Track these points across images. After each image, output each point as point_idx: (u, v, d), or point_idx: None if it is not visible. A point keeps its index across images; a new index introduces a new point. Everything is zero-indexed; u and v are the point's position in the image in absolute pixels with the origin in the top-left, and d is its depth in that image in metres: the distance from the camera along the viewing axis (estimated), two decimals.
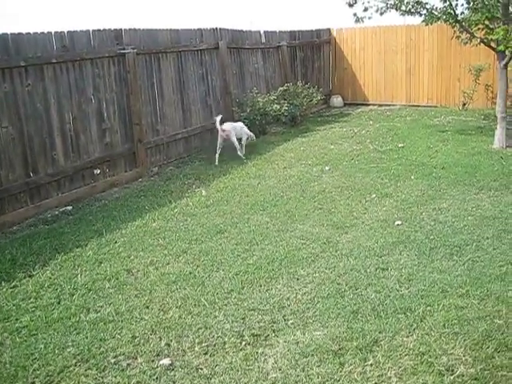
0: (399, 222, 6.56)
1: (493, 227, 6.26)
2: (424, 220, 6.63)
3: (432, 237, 6.05)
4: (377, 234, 6.22)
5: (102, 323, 4.52)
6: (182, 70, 10.57)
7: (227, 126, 10.21)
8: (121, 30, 9.10)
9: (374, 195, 7.73)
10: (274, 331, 4.24)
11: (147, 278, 5.34)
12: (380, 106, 16.66)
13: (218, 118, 10.03)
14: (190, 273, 5.39)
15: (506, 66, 10.06)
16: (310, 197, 7.80)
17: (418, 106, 16.12)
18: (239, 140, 10.51)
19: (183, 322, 4.44)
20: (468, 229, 6.25)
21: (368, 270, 5.24)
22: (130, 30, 9.28)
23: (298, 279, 5.14)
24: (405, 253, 5.64)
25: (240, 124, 10.85)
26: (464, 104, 15.11)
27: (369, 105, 16.89)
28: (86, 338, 4.29)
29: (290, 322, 4.37)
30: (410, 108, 15.96)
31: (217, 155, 10.04)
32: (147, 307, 4.76)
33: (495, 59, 14.28)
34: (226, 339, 4.16)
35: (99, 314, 4.67)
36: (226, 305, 4.71)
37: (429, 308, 4.42)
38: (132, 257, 5.93)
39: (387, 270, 5.24)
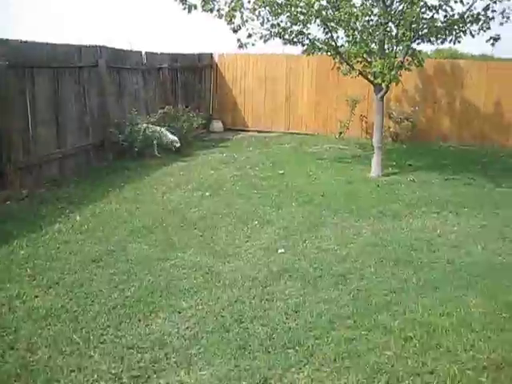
0: (282, 250, 6.51)
1: (374, 255, 6.37)
2: (307, 248, 6.63)
3: (316, 265, 6.03)
4: (260, 263, 6.11)
5: None
6: (58, 87, 9.98)
7: None
8: None
9: (256, 222, 7.64)
10: (155, 372, 3.93)
11: (13, 314, 4.81)
12: (260, 132, 16.80)
13: None
14: (62, 306, 4.93)
15: (382, 98, 10.48)
16: (190, 223, 7.56)
17: (297, 133, 16.42)
18: None
19: (53, 364, 4.01)
20: (351, 257, 6.32)
21: (253, 302, 5.08)
22: (1, 40, 8.61)
23: (179, 312, 4.87)
24: (290, 282, 5.56)
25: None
26: (340, 133, 15.59)
27: (249, 131, 16.99)
28: None
29: (173, 360, 4.08)
30: (289, 135, 16.22)
31: None
32: (12, 348, 4.26)
33: (370, 91, 15.05)
34: (103, 383, 3.80)
35: None
36: (102, 342, 4.34)
37: (318, 341, 4.33)
38: None
39: (273, 301, 5.11)
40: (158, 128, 12.20)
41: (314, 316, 4.76)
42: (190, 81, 15.81)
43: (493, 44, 9.97)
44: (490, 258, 6.43)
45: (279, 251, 6.49)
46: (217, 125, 17.06)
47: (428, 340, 4.33)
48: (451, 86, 15.28)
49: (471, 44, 10.68)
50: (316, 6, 9.62)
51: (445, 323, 4.63)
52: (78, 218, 7.70)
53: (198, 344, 4.30)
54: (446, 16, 9.77)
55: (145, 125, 11.70)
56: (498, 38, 9.94)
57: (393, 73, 9.57)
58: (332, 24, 10.07)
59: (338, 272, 5.84)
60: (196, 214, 7.99)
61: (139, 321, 4.70)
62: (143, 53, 13.28)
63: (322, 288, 5.41)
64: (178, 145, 12.38)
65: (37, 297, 5.18)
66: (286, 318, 4.74)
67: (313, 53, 10.58)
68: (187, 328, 4.57)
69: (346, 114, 15.55)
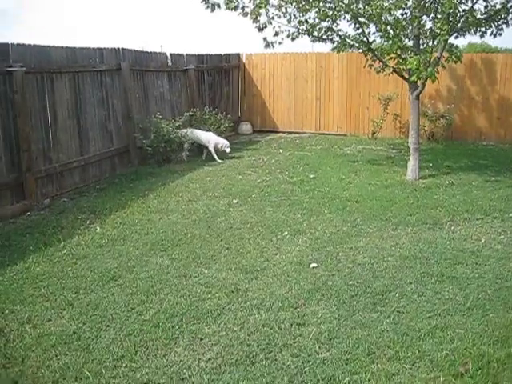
0: (315, 265, 6.02)
1: (414, 269, 5.84)
2: (341, 262, 6.13)
3: (351, 282, 5.53)
4: (290, 280, 5.63)
5: None
6: (79, 92, 9.66)
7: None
8: (7, 44, 8.12)
9: (286, 232, 7.17)
10: None
11: (21, 341, 4.44)
12: (289, 133, 16.33)
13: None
14: (74, 333, 4.54)
15: (418, 96, 9.89)
16: (216, 234, 7.13)
17: (328, 134, 15.91)
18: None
19: None
20: (389, 272, 5.80)
21: (282, 326, 4.61)
22: (18, 45, 8.29)
23: (201, 339, 4.43)
24: (323, 303, 5.07)
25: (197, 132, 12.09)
26: (373, 133, 15.06)
27: (278, 132, 16.52)
28: None
29: None
30: (319, 136, 15.71)
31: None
32: (15, 382, 3.89)
33: (403, 89, 14.48)
34: None
35: None
36: (113, 377, 3.92)
37: (355, 377, 3.83)
38: (6, 311, 5.00)
39: (304, 325, 4.63)
40: (199, 131, 12.29)
41: (351, 345, 4.25)
42: (217, 82, 15.40)
43: None
44: None
45: (311, 266, 6.00)
46: (245, 127, 16.63)
47: (483, 377, 3.77)
48: (488, 81, 14.55)
49: (498, 38, 10.01)
50: (346, 1, 9.10)
51: (501, 354, 4.07)
52: (98, 229, 7.35)
53: (220, 380, 3.84)
54: (486, 6, 9.12)
55: (172, 128, 11.34)
56: None
57: (429, 69, 8.98)
58: (362, 19, 9.53)
59: (375, 290, 5.33)
60: (223, 224, 7.55)
61: (157, 349, 4.27)
62: (168, 54, 12.92)
63: (358, 310, 4.91)
64: (228, 149, 12.18)
65: (49, 320, 4.82)
66: (319, 348, 4.24)
67: (343, 50, 10.03)
68: (209, 360, 4.12)
69: (379, 113, 14.97)
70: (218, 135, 12.77)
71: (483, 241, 6.84)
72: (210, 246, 6.71)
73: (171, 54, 12.98)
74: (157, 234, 7.12)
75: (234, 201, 8.73)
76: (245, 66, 16.80)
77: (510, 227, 7.39)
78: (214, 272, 5.86)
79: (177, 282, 5.58)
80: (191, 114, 12.54)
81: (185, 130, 11.97)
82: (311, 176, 10.48)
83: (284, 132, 16.50)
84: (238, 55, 16.72)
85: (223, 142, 12.12)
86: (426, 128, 14.24)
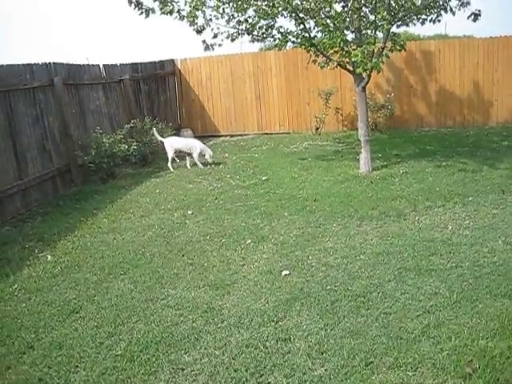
0: (286, 272, 5.73)
1: (390, 266, 5.65)
2: (313, 266, 5.86)
3: (328, 287, 5.27)
4: (265, 291, 5.32)
5: None
6: (11, 112, 9.05)
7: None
8: None
9: (249, 240, 6.86)
10: None
11: None
12: (232, 136, 16.04)
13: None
14: (40, 380, 4.08)
15: (364, 88, 9.76)
16: (176, 250, 6.74)
17: (271, 133, 15.73)
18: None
19: None
20: (365, 271, 5.57)
21: (268, 344, 4.29)
22: None
23: (183, 370, 4.05)
24: (304, 313, 4.78)
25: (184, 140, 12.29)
26: (317, 128, 14.98)
27: (220, 136, 16.20)
28: None
29: None
30: (263, 136, 15.50)
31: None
32: None
33: (342, 82, 14.46)
34: None
35: None
36: None
37: None
38: None
39: (290, 340, 4.32)
40: (182, 139, 12.67)
41: (345, 356, 3.97)
42: (153, 90, 14.93)
43: (474, 20, 9.26)
44: None
45: (283, 273, 5.71)
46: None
47: (492, 375, 3.57)
48: (425, 69, 14.71)
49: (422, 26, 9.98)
50: None
51: (502, 347, 3.89)
52: (49, 257, 6.83)
53: None
54: None
55: (110, 140, 10.84)
56: (479, 14, 9.24)
57: (374, 60, 8.85)
58: (302, 14, 9.31)
59: (355, 292, 5.08)
60: (181, 238, 7.16)
61: None
62: (101, 65, 12.37)
63: (343, 316, 4.64)
64: (211, 160, 11.83)
65: (8, 368, 4.32)
66: (312, 364, 3.94)
67: (285, 47, 9.80)
68: None
69: (320, 108, 14.89)
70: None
71: (450, 228, 6.73)
72: (172, 263, 6.32)
73: (104, 65, 12.44)
74: (113, 257, 6.66)
75: (189, 212, 8.36)
76: (180, 72, 16.40)
77: (472, 211, 7.34)
78: (181, 291, 5.49)
79: (144, 307, 5.18)
80: (132, 125, 12.03)
81: (168, 139, 11.89)
82: (263, 178, 10.21)
83: (226, 135, 16.21)
84: (172, 61, 16.31)
85: (209, 152, 11.79)
86: (368, 119, 14.21)
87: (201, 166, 11.62)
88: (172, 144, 11.82)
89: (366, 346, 4.11)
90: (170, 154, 11.70)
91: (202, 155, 11.76)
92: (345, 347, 4.11)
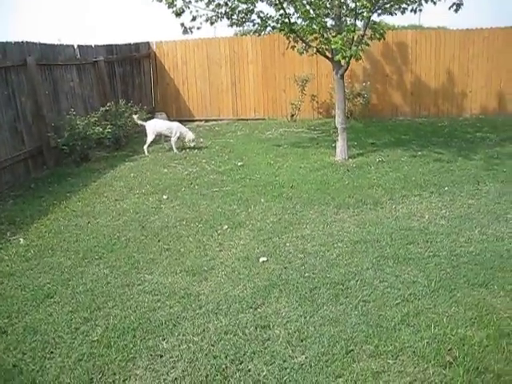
0: (264, 259, 5.70)
1: (368, 254, 5.66)
2: (291, 252, 5.83)
3: (307, 274, 5.25)
4: (242, 278, 5.28)
5: None
6: None
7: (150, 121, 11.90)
8: None
9: (226, 226, 6.80)
10: None
11: None
12: (207, 121, 15.91)
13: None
14: (15, 366, 3.98)
15: (342, 76, 9.73)
16: (152, 235, 6.65)
17: (247, 119, 15.65)
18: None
19: None
20: (343, 258, 5.58)
21: (247, 331, 4.25)
22: None
23: (161, 356, 4.00)
24: (283, 299, 4.75)
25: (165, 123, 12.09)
26: (292, 115, 14.94)
27: (195, 121, 16.03)
28: None
29: None
30: (238, 122, 15.40)
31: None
32: None
33: (318, 69, 14.42)
34: None
35: None
36: None
37: (340, 380, 3.56)
38: None
39: (269, 327, 4.29)
40: (163, 121, 12.45)
41: (325, 344, 3.96)
42: (128, 73, 14.69)
43: (456, 10, 9.31)
44: (494, 244, 5.78)
45: (261, 260, 5.67)
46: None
47: (472, 363, 3.59)
48: (400, 58, 14.77)
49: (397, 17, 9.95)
50: None
51: (480, 336, 3.92)
52: (21, 240, 6.68)
53: None
54: None
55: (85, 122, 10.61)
56: (461, 4, 9.27)
57: (354, 48, 8.81)
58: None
59: (334, 280, 5.07)
60: (157, 223, 7.07)
61: (114, 374, 3.81)
62: (75, 46, 12.09)
63: (322, 303, 4.62)
64: (193, 144, 11.67)
65: None
66: (292, 351, 3.92)
67: (264, 32, 9.70)
68: (175, 379, 3.70)
69: (296, 95, 14.84)
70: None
71: (427, 217, 6.78)
72: (147, 248, 6.23)
73: (79, 46, 12.16)
74: (87, 241, 6.55)
75: (164, 197, 8.26)
76: (156, 55, 16.17)
77: (448, 201, 7.39)
78: (158, 277, 5.41)
79: (120, 293, 5.10)
80: (106, 108, 11.83)
81: (146, 123, 11.74)
82: (239, 164, 10.14)
83: (201, 120, 16.06)
84: (147, 44, 16.06)
85: (189, 136, 11.63)
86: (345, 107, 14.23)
87: (175, 150, 11.48)
88: (154, 127, 11.68)
89: (346, 333, 4.10)
90: (150, 138, 11.55)
91: (181, 139, 11.61)
92: (325, 335, 4.10)
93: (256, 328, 4.29)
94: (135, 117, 11.87)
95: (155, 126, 11.72)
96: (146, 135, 11.63)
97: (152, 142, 11.63)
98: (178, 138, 11.55)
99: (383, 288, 4.85)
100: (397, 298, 4.62)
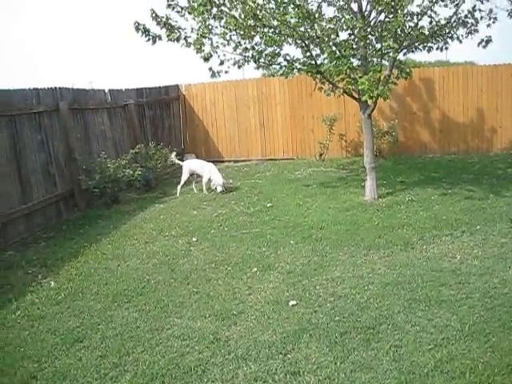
0: (294, 302, 5.64)
1: (399, 296, 5.56)
2: (321, 296, 5.77)
3: (337, 317, 5.18)
4: (272, 322, 5.23)
5: None
6: (16, 136, 9.03)
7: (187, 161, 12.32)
8: None
9: (255, 269, 6.78)
10: None
11: None
12: (236, 162, 16.03)
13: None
14: None
15: (370, 116, 9.75)
16: (181, 278, 6.65)
17: (275, 159, 15.73)
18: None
19: None
20: (373, 302, 5.48)
21: (276, 378, 4.19)
22: None
23: None
24: (313, 344, 4.68)
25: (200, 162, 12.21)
26: (321, 154, 14.96)
27: (224, 161, 16.16)
28: None
29: None
30: (267, 162, 15.49)
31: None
32: None
33: (346, 108, 14.48)
34: None
35: None
36: None
37: None
38: None
39: (299, 373, 4.23)
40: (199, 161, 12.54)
41: None
42: (158, 115, 14.96)
43: (484, 46, 9.30)
44: None
45: (290, 303, 5.62)
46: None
47: None
48: (427, 95, 14.76)
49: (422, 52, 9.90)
50: (292, 22, 8.87)
51: None
52: (52, 283, 6.76)
53: None
54: (431, 22, 9.07)
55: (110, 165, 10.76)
56: (490, 40, 9.27)
57: (381, 88, 8.84)
58: (308, 42, 9.32)
59: (365, 324, 4.99)
60: (186, 266, 7.09)
61: None
62: (106, 90, 12.40)
63: (353, 349, 4.54)
64: (220, 189, 11.57)
65: None
66: None
67: (291, 74, 9.79)
68: None
69: (324, 134, 14.90)
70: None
71: (459, 258, 6.66)
72: (177, 291, 6.24)
73: (110, 90, 12.47)
74: (117, 284, 6.59)
75: (194, 239, 8.29)
76: (185, 97, 16.46)
77: (480, 240, 7.26)
78: (187, 321, 5.40)
79: (149, 337, 5.09)
80: (136, 150, 12.02)
81: (182, 163, 12.13)
82: (268, 205, 10.15)
83: (230, 161, 16.18)
84: (177, 86, 16.38)
85: (216, 180, 11.58)
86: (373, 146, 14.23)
87: (205, 191, 11.56)
88: (189, 166, 11.90)
89: (378, 380, 4.02)
90: (185, 177, 11.70)
91: (209, 181, 11.69)
92: (356, 382, 4.02)
93: (286, 375, 4.23)
94: (173, 155, 12.18)
95: (190, 166, 11.92)
96: (177, 176, 11.78)
97: (185, 183, 11.74)
98: (209, 179, 11.60)
99: (415, 332, 4.75)
100: (429, 343, 4.52)
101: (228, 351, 4.70)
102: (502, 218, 8.17)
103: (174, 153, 12.28)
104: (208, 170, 11.69)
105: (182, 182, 11.67)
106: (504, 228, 7.71)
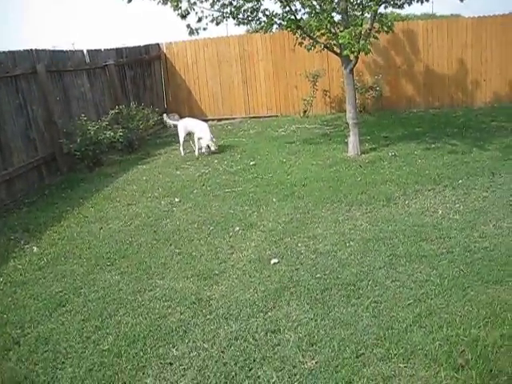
0: (275, 260, 5.66)
1: (380, 252, 5.59)
2: (302, 253, 5.79)
3: (318, 274, 5.20)
4: (253, 281, 5.25)
5: None
6: None
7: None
8: None
9: (238, 228, 6.77)
10: None
11: None
12: (219, 120, 15.87)
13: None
14: (26, 378, 3.99)
15: (351, 71, 9.64)
16: (163, 239, 6.64)
17: (259, 117, 15.58)
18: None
19: None
20: (354, 258, 5.51)
21: (257, 336, 4.22)
22: None
23: (171, 364, 3.98)
24: (293, 302, 4.71)
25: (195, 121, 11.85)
26: (305, 111, 14.86)
27: (207, 120, 15.92)
28: None
29: None
30: (251, 120, 15.35)
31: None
32: None
33: (329, 64, 14.32)
34: None
35: None
36: None
37: None
38: None
39: (280, 331, 4.26)
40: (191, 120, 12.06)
41: (336, 348, 3.91)
42: (139, 75, 14.71)
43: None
44: (509, 239, 5.67)
45: (272, 261, 5.64)
46: (173, 119, 15.95)
47: (485, 366, 3.52)
48: (411, 49, 14.59)
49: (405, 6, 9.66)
50: None
51: (494, 336, 3.84)
52: (34, 249, 6.72)
53: None
54: None
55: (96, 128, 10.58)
56: None
57: (362, 42, 8.72)
58: None
59: (345, 280, 5.02)
60: (169, 227, 7.07)
61: None
62: (85, 51, 12.13)
63: (333, 306, 4.57)
64: (213, 148, 11.29)
65: None
66: (303, 356, 3.88)
67: (271, 30, 9.63)
68: None
69: (308, 90, 14.76)
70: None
71: (440, 212, 6.68)
72: (159, 252, 6.23)
73: (88, 51, 12.21)
74: (100, 247, 6.56)
75: (176, 199, 8.25)
76: (166, 56, 16.18)
77: (462, 195, 7.29)
78: (169, 282, 5.41)
79: (131, 300, 5.10)
80: (117, 111, 11.85)
81: (178, 122, 11.97)
82: (251, 163, 10.10)
83: (213, 119, 15.99)
84: (157, 45, 16.08)
85: (205, 141, 11.19)
86: (357, 101, 14.11)
87: (197, 151, 11.37)
88: (185, 126, 11.64)
89: (357, 336, 4.05)
90: (182, 137, 11.50)
91: (198, 140, 11.45)
92: (335, 338, 4.05)
93: (266, 333, 4.26)
94: (165, 116, 12.13)
95: (186, 125, 11.67)
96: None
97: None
98: (199, 138, 11.44)
99: (395, 288, 4.79)
100: (409, 298, 4.56)
101: (209, 311, 4.72)
102: (484, 172, 8.18)
103: (165, 114, 12.11)
104: (199, 130, 11.38)
105: (182, 142, 11.50)
106: (486, 182, 7.72)
